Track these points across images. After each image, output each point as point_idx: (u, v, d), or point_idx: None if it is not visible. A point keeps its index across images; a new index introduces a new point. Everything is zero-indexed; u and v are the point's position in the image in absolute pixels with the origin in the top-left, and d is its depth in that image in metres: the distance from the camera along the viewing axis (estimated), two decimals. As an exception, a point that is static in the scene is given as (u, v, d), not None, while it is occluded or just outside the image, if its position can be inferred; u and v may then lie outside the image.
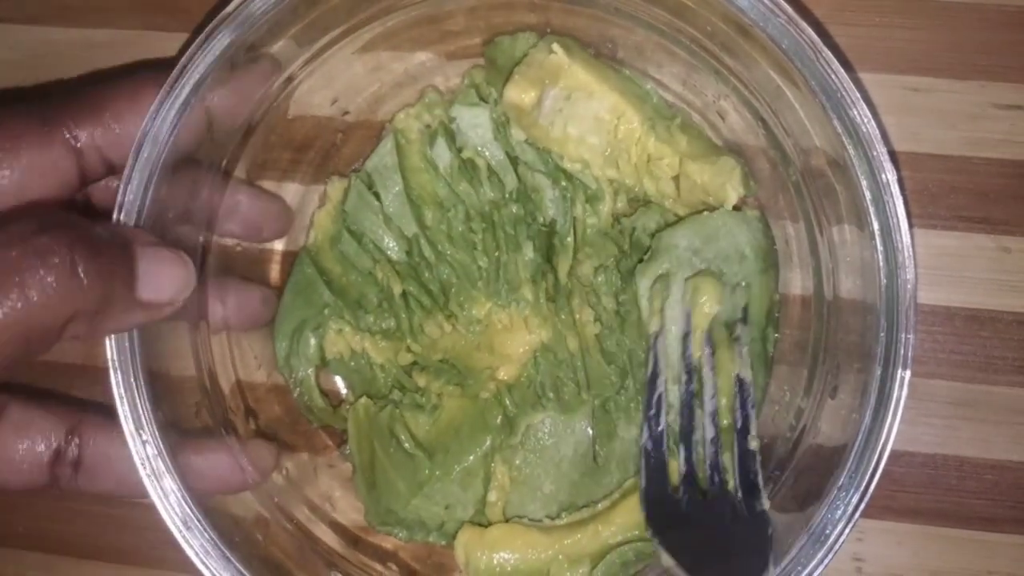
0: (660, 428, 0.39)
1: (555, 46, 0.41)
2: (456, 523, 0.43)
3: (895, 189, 0.32)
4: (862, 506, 0.32)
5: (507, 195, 0.44)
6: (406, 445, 0.44)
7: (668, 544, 0.37)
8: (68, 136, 0.34)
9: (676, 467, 0.38)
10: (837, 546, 0.33)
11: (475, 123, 0.44)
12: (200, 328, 0.41)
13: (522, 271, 0.44)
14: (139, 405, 0.34)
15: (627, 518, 0.41)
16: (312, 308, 0.45)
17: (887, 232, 0.32)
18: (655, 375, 0.40)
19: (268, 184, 0.45)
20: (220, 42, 0.34)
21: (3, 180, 0.33)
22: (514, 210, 0.44)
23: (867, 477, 0.32)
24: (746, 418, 0.38)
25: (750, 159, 0.42)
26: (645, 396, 0.40)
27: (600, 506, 0.42)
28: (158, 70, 0.35)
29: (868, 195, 0.33)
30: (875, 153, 0.32)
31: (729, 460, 0.37)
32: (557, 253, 0.44)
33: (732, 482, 0.37)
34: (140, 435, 0.34)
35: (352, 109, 0.45)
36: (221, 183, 0.41)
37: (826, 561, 0.33)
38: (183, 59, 0.34)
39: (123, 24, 0.48)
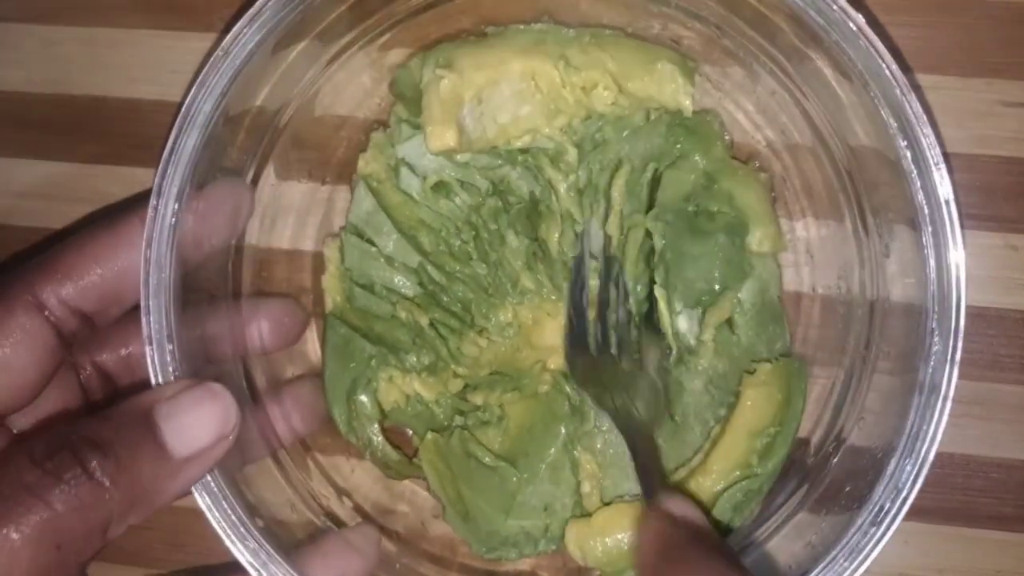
0: (583, 304, 0.43)
1: (438, 72, 0.41)
2: (560, 524, 0.43)
3: (949, 190, 0.32)
4: (903, 512, 0.33)
5: (483, 193, 0.44)
6: (486, 460, 0.44)
7: (582, 383, 0.43)
8: (28, 298, 0.34)
9: (594, 336, 0.43)
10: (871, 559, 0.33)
11: (421, 152, 0.44)
12: (270, 436, 0.41)
13: (514, 261, 0.44)
14: (236, 518, 0.33)
15: (724, 463, 0.41)
16: (359, 363, 0.44)
17: (940, 233, 0.32)
18: (580, 260, 0.43)
19: (298, 185, 0.45)
20: (189, 154, 0.34)
21: None
22: (490, 204, 0.44)
23: (908, 486, 0.33)
24: (651, 288, 0.42)
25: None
26: (571, 278, 0.43)
27: (695, 461, 0.42)
28: (110, 217, 0.35)
29: (921, 196, 0.32)
30: (932, 153, 0.32)
31: (635, 330, 0.43)
32: (545, 220, 0.44)
33: (634, 345, 0.43)
34: (246, 545, 0.33)
35: (369, 108, 0.45)
36: (234, 304, 0.41)
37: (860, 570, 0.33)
38: (154, 187, 0.34)
39: (126, 23, 0.47)
